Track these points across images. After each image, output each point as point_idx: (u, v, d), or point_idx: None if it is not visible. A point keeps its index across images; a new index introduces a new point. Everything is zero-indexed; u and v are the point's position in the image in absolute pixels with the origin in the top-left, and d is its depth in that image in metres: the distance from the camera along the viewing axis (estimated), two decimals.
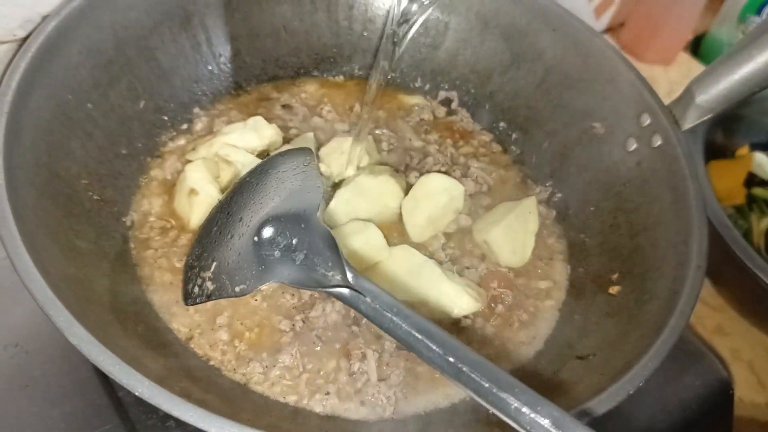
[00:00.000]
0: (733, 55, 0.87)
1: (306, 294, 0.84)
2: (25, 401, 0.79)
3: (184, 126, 1.01)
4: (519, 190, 1.06)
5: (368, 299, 0.68)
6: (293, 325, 0.81)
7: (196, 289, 0.77)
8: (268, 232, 0.74)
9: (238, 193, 0.82)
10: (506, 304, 0.90)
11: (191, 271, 0.79)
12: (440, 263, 0.91)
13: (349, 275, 0.69)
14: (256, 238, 0.74)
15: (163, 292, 0.82)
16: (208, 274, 0.77)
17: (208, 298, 0.76)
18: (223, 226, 0.80)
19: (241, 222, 0.78)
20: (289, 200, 0.77)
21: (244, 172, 0.89)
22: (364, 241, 0.87)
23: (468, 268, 0.93)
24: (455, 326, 0.86)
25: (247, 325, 0.81)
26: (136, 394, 0.60)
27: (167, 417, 0.78)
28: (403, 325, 0.66)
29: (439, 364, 0.65)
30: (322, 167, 0.96)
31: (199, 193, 0.87)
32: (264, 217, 0.76)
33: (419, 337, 0.65)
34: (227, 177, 0.91)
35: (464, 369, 0.63)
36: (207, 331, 0.80)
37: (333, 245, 0.72)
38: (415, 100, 1.15)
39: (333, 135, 1.04)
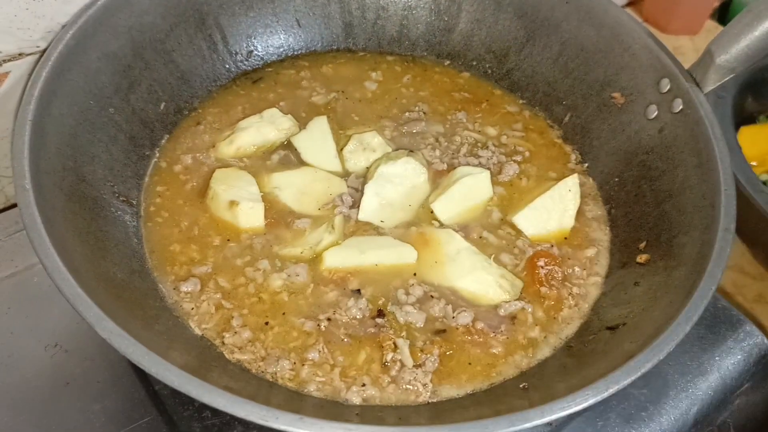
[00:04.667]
0: (752, 11, 0.85)
1: (325, 294, 0.85)
2: (67, 398, 0.81)
3: (202, 126, 1.02)
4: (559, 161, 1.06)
5: None
6: (318, 325, 0.81)
7: None
8: None
9: None
10: (558, 280, 0.89)
11: None
12: (483, 248, 0.91)
13: None
14: None
15: (176, 293, 0.83)
16: None
17: None
18: None
19: None
20: None
21: None
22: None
23: (513, 250, 0.92)
24: (512, 320, 0.85)
25: (270, 325, 0.82)
26: (165, 382, 0.61)
27: (203, 408, 0.81)
28: None
29: None
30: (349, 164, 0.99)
31: (240, 202, 0.89)
32: None
33: None
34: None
35: None
36: (227, 332, 0.80)
37: None
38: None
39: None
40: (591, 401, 0.64)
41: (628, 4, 1.75)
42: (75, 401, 0.81)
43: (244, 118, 1.01)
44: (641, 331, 0.74)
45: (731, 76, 0.89)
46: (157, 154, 0.97)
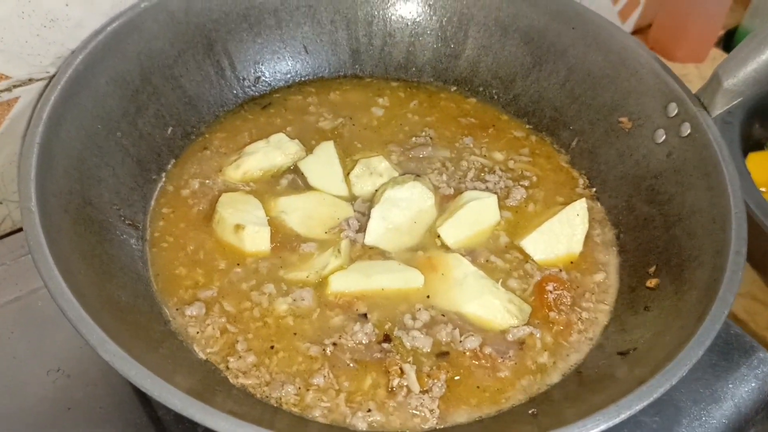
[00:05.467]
0: (758, 36, 0.86)
1: (331, 318, 0.84)
2: (68, 424, 0.80)
3: (209, 151, 1.02)
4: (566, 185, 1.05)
5: None
6: (323, 350, 0.80)
7: None
8: None
9: None
10: (566, 305, 0.88)
11: None
12: (491, 273, 0.90)
13: None
14: None
15: (181, 317, 0.83)
16: None
17: None
18: None
19: None
20: None
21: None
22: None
23: (521, 276, 0.91)
24: (520, 345, 0.84)
25: (275, 350, 0.81)
26: (168, 405, 0.60)
27: None
28: None
29: None
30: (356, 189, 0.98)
31: (246, 226, 0.88)
32: None
33: None
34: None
35: None
36: (231, 356, 0.79)
37: None
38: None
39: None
40: (602, 427, 0.63)
41: (635, 32, 1.76)
42: (76, 427, 0.80)
43: (251, 143, 1.01)
44: (652, 356, 0.73)
45: (739, 99, 0.89)
46: (164, 179, 0.97)
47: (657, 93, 0.96)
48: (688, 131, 0.91)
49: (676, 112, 0.93)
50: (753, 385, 0.92)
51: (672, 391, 0.87)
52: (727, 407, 0.89)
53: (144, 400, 0.82)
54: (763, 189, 1.23)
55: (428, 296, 0.87)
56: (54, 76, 0.85)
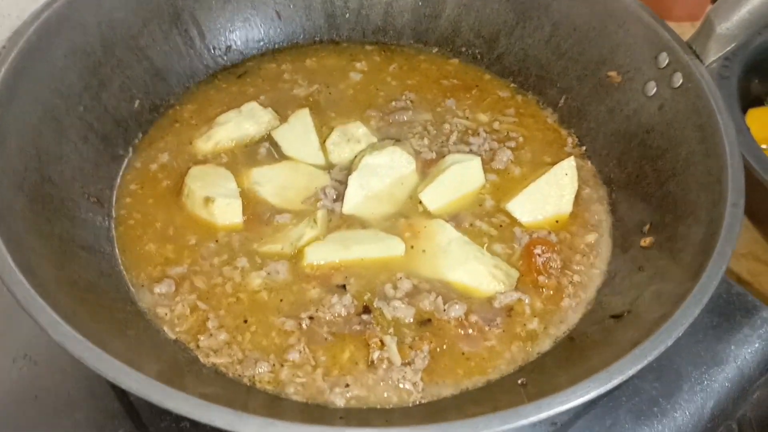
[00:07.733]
0: None
1: (307, 291, 0.80)
2: (34, 412, 0.77)
3: (179, 123, 0.98)
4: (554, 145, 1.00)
5: None
6: (299, 324, 0.76)
7: None
8: None
9: None
10: (556, 268, 0.84)
11: None
12: (476, 238, 0.86)
13: None
14: None
15: (149, 295, 0.79)
16: None
17: None
18: None
19: None
20: None
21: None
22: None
23: (507, 240, 0.87)
24: (508, 311, 0.80)
25: (248, 325, 0.77)
26: (126, 389, 0.57)
27: (181, 418, 0.76)
28: None
29: None
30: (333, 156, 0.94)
31: (216, 199, 0.85)
32: None
33: None
34: None
35: None
36: (202, 334, 0.76)
37: None
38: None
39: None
40: (593, 394, 0.59)
41: None
42: (43, 416, 0.76)
43: (222, 113, 0.97)
44: (647, 317, 0.69)
45: (732, 45, 0.84)
46: (131, 154, 0.93)
47: (646, 43, 0.91)
48: (680, 81, 0.86)
49: (667, 62, 0.89)
50: (756, 345, 0.88)
51: (672, 355, 0.84)
52: (730, 370, 0.86)
53: (115, 384, 0.79)
54: (763, 146, 1.19)
55: (410, 265, 0.83)
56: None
